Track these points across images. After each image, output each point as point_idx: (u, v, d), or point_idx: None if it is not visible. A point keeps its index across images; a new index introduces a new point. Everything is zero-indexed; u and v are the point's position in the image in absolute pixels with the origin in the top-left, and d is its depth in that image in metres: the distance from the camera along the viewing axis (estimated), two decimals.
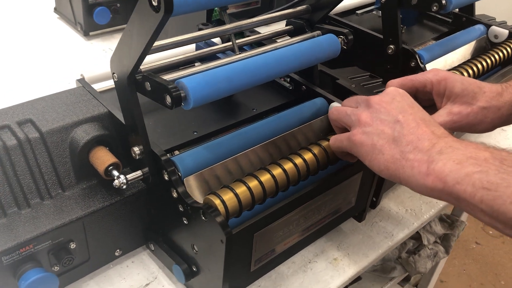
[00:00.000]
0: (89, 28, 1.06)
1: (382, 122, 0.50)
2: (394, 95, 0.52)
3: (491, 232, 2.04)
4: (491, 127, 0.58)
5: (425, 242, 1.02)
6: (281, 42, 0.58)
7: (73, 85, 0.89)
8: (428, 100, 0.60)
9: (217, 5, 0.41)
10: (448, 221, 1.09)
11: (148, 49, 0.43)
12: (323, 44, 0.57)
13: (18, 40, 1.03)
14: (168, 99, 0.45)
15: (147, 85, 0.48)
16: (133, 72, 0.47)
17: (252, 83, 0.51)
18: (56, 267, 0.53)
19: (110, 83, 0.68)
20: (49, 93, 0.60)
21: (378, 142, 0.49)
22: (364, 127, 0.50)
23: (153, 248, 0.60)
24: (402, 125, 0.48)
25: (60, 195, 0.54)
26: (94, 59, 1.00)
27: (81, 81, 0.62)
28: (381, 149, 0.48)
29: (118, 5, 1.07)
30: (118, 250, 0.59)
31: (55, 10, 1.15)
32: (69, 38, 1.07)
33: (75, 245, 0.53)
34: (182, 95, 0.45)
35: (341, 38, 0.60)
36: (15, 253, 0.48)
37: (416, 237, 1.03)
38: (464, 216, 1.13)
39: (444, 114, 0.56)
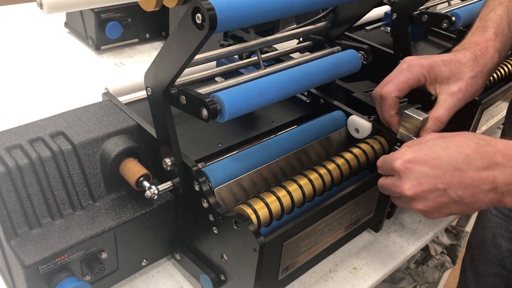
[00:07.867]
0: (101, 42, 1.08)
1: (430, 192, 0.50)
2: (410, 160, 0.51)
3: None
4: (483, 88, 0.61)
5: (433, 253, 1.03)
6: (304, 57, 0.60)
7: (88, 98, 0.91)
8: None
9: (256, 22, 0.43)
10: (454, 231, 1.11)
11: (187, 65, 0.45)
12: (345, 59, 0.59)
13: (31, 55, 1.05)
14: (205, 112, 0.47)
15: (182, 98, 0.49)
16: (169, 86, 0.48)
17: (282, 96, 0.53)
18: (87, 277, 0.54)
19: (132, 96, 0.70)
20: (68, 107, 0.61)
21: (439, 201, 0.50)
22: (419, 198, 0.51)
23: (179, 258, 0.61)
24: (448, 192, 0.49)
25: (91, 205, 0.55)
26: (107, 73, 1.01)
27: (107, 94, 0.64)
28: (447, 203, 0.50)
29: (129, 20, 1.09)
30: (144, 260, 0.60)
31: (65, 24, 1.17)
32: (80, 52, 1.09)
33: (106, 255, 0.54)
34: (218, 108, 0.47)
35: (361, 53, 0.62)
36: (51, 263, 0.49)
37: (423, 248, 1.05)
38: (469, 227, 1.15)
39: (448, 98, 0.59)
